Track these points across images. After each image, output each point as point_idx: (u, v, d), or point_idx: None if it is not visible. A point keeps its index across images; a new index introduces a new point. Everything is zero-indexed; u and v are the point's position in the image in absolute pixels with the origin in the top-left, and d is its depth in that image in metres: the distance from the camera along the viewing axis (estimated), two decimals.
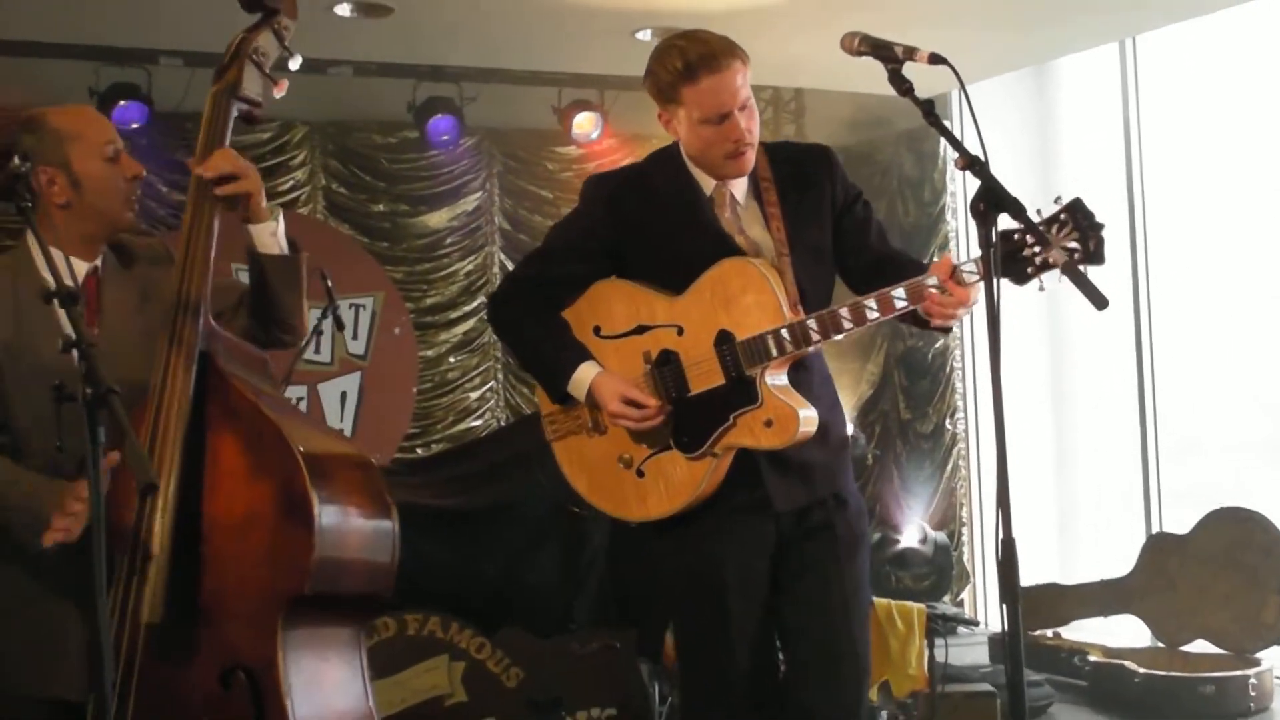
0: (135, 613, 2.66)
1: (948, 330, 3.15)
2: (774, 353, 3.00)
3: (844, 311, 2.98)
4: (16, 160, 2.58)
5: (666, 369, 3.12)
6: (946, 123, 2.77)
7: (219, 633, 2.69)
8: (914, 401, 8.76)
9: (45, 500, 2.68)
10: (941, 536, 8.28)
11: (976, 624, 7.86)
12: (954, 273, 2.88)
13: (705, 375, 3.08)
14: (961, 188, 8.45)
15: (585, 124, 8.13)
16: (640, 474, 3.13)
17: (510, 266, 8.76)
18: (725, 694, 3.14)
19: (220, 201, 2.92)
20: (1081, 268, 2.58)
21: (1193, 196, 7.30)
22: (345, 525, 2.75)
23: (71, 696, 2.68)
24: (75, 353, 2.34)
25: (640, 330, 3.16)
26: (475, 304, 8.75)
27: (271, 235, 2.99)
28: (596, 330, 3.20)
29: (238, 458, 2.76)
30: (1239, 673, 6.03)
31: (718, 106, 3.01)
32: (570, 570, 5.28)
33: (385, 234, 8.61)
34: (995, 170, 2.53)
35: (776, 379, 3.06)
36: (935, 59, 2.65)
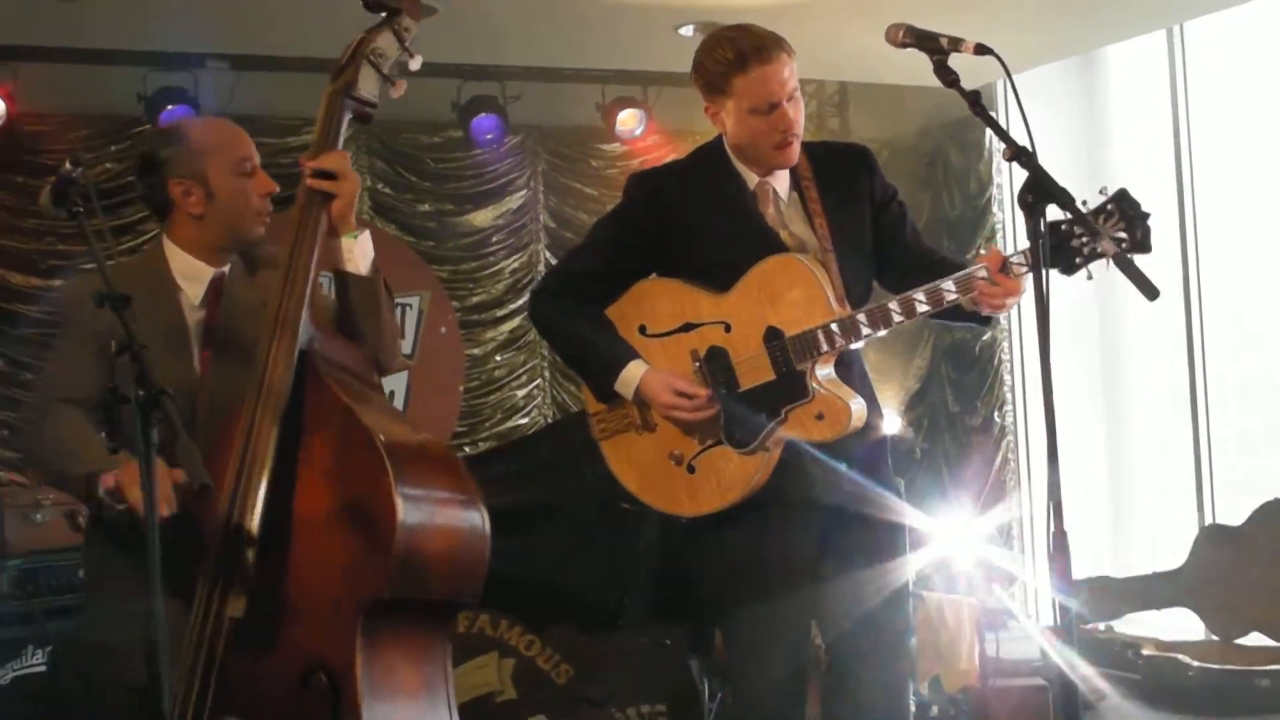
0: (222, 606, 2.68)
1: (991, 322, 3.19)
2: (824, 347, 3.03)
3: (894, 305, 3.01)
4: (68, 164, 2.60)
5: (715, 365, 3.13)
6: (992, 114, 2.76)
7: (301, 632, 2.70)
8: (962, 394, 8.71)
9: (100, 465, 2.72)
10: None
11: (1028, 617, 7.81)
12: (1004, 265, 2.88)
13: (755, 371, 3.10)
14: (1008, 179, 8.40)
15: (629, 120, 8.12)
16: (691, 470, 3.14)
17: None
18: (777, 685, 3.14)
19: (322, 202, 2.94)
20: (1131, 257, 2.56)
21: (1242, 186, 7.23)
22: (430, 530, 2.74)
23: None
24: (128, 356, 2.37)
25: (687, 328, 3.17)
26: (521, 302, 8.75)
27: (352, 250, 2.99)
28: (642, 329, 3.21)
29: (329, 458, 2.78)
30: None
31: (767, 96, 3.06)
32: (620, 567, 5.28)
33: (431, 233, 8.63)
34: (1042, 161, 2.51)
35: (825, 371, 3.08)
36: (981, 49, 2.64)
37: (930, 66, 2.73)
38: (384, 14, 3.05)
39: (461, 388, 8.54)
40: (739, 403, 3.11)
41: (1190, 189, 7.35)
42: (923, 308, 2.99)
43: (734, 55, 3.07)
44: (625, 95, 8.12)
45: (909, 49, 2.78)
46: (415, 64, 3.11)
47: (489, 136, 8.07)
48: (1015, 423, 8.54)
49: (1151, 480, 7.86)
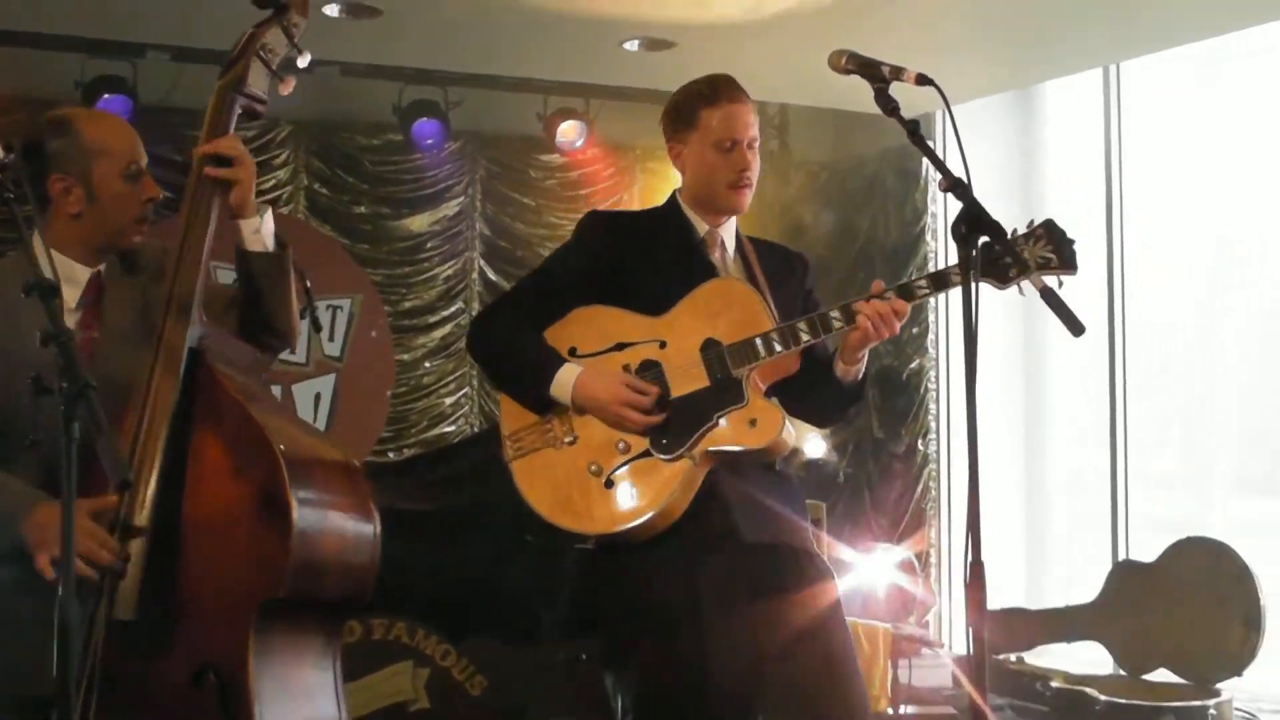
0: (110, 609, 2.63)
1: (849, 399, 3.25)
2: (762, 353, 3.04)
3: (834, 312, 3.04)
4: (1, 149, 2.56)
5: (647, 375, 3.11)
6: (930, 143, 2.79)
7: (192, 632, 2.67)
8: (888, 420, 8.78)
9: (16, 512, 2.68)
10: (908, 556, 8.29)
11: (941, 646, 7.87)
12: (905, 288, 3.04)
13: (689, 379, 3.09)
14: (943, 208, 8.48)
15: (569, 132, 8.13)
16: (609, 484, 3.07)
17: (490, 273, 8.78)
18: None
19: (216, 189, 2.90)
20: (1058, 290, 2.60)
21: (1171, 224, 7.35)
22: (325, 529, 2.73)
23: (40, 691, 2.66)
24: (54, 346, 2.33)
25: (619, 347, 3.16)
26: (453, 309, 8.74)
27: (257, 232, 2.96)
28: (572, 351, 3.18)
29: (220, 456, 2.74)
30: (1200, 702, 6.04)
31: (731, 132, 3.16)
32: (542, 580, 5.27)
33: (366, 236, 8.60)
34: (977, 193, 2.54)
35: (761, 387, 3.09)
36: (922, 79, 2.66)
37: (870, 93, 2.76)
38: (272, 10, 3.03)
39: (390, 393, 8.51)
40: (669, 411, 3.08)
41: (1120, 225, 7.46)
42: (839, 323, 3.04)
43: (707, 89, 3.19)
44: (567, 107, 8.13)
45: (851, 75, 2.81)
46: (304, 61, 3.07)
47: (429, 141, 8.05)
48: (938, 451, 8.61)
49: (1068, 514, 7.97)
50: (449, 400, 8.73)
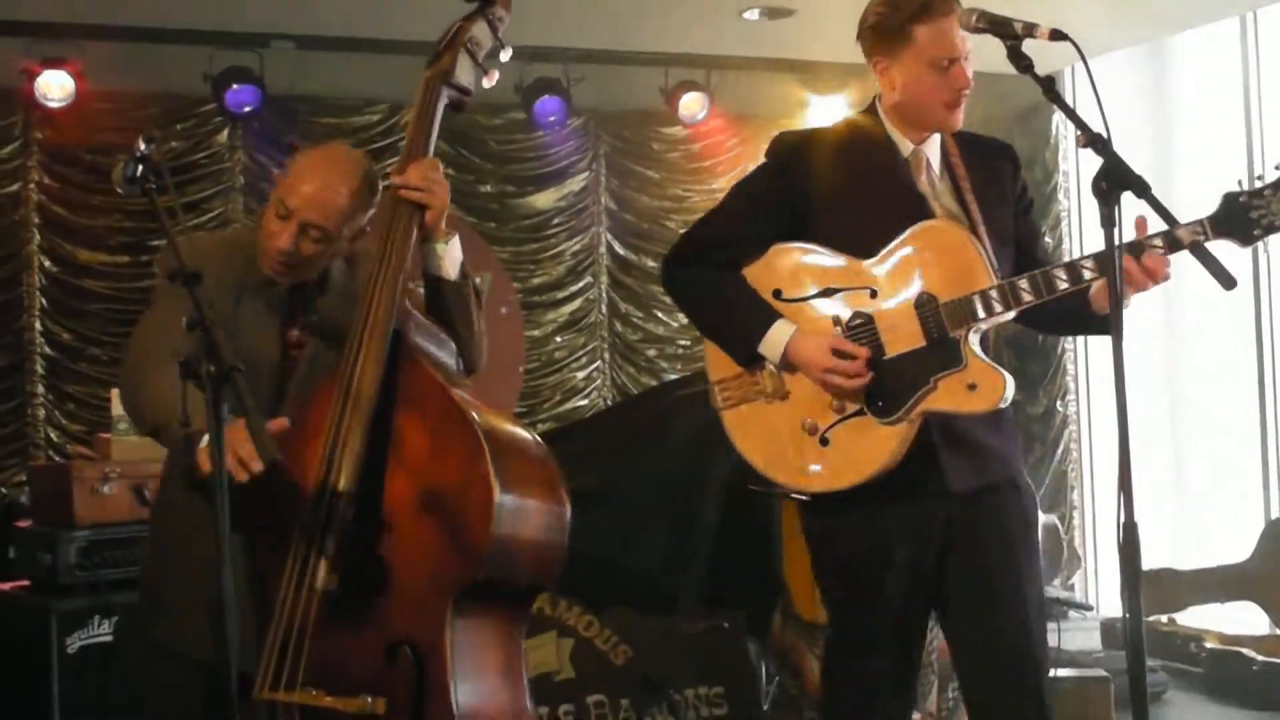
0: (313, 578, 2.70)
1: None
2: (980, 314, 2.89)
3: (1059, 271, 2.87)
4: (141, 142, 2.62)
5: (860, 331, 2.98)
6: (1065, 98, 2.74)
7: (390, 608, 2.72)
8: (1025, 383, 8.64)
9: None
10: (1051, 519, 8.18)
11: (1090, 608, 7.75)
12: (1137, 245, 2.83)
13: (903, 338, 2.95)
14: (1074, 166, 8.32)
15: (692, 105, 8.10)
16: (825, 442, 2.99)
17: (617, 247, 8.81)
18: (874, 681, 3.07)
19: (415, 210, 2.94)
20: (1208, 247, 2.53)
21: None
22: (522, 513, 2.75)
23: (244, 668, 2.73)
24: (199, 331, 2.39)
25: (828, 293, 3.02)
26: (582, 284, 8.79)
27: (443, 256, 3.00)
28: (777, 294, 3.05)
29: (422, 438, 2.78)
30: None
31: (949, 49, 2.97)
32: (679, 549, 5.28)
33: (492, 214, 8.66)
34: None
35: (976, 342, 2.94)
36: (1056, 35, 2.61)
37: (999, 52, 2.70)
38: (479, 3, 3.08)
39: (521, 369, 8.57)
40: (883, 371, 2.95)
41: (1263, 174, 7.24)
42: (1090, 275, 2.85)
43: (919, 4, 2.98)
44: (688, 79, 8.10)
45: (982, 34, 2.75)
46: (506, 54, 3.11)
47: (551, 119, 8.07)
48: (1078, 412, 8.46)
49: (1217, 472, 7.77)
50: (580, 375, 8.78)
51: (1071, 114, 2.63)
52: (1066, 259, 2.96)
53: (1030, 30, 2.66)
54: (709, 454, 5.37)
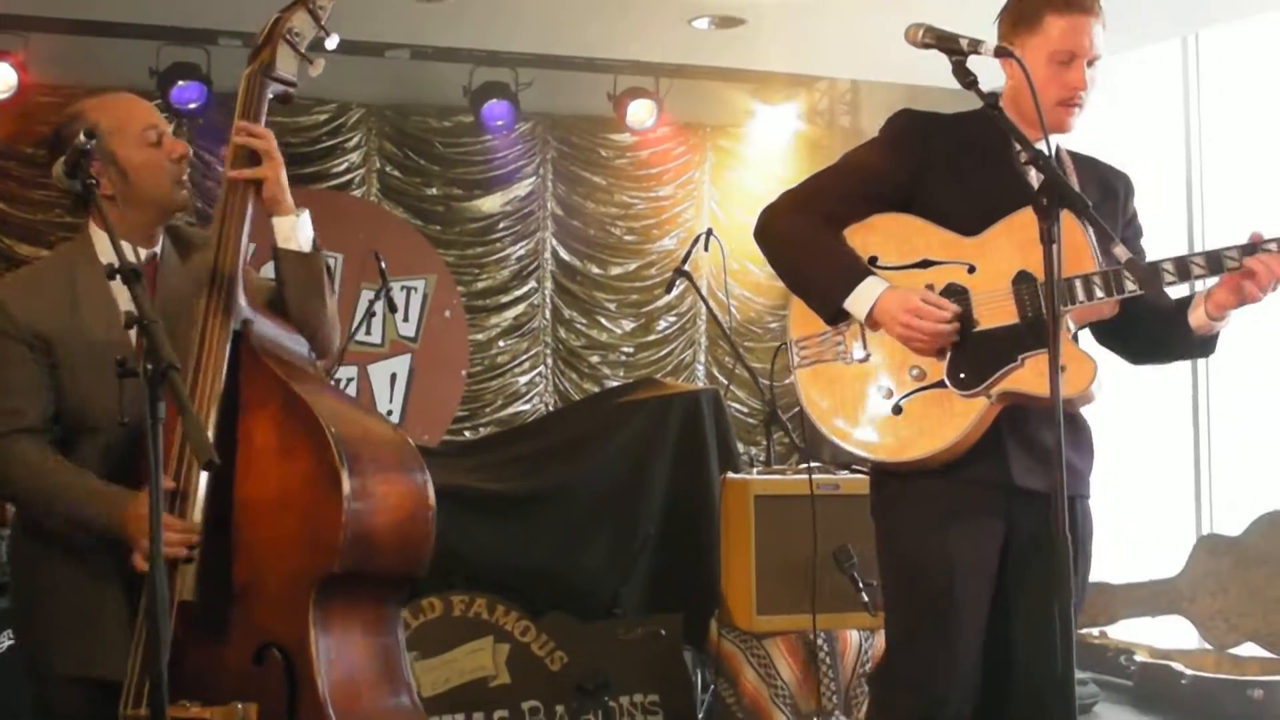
0: (171, 591, 2.66)
1: (1207, 347, 3.06)
2: (1081, 296, 2.83)
3: (1167, 264, 2.82)
4: (83, 136, 2.60)
5: (952, 300, 2.92)
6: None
7: (253, 611, 2.71)
8: None
9: (113, 513, 2.73)
10: None
11: None
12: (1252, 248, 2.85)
13: (996, 312, 2.89)
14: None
15: (640, 112, 8.13)
16: (898, 410, 2.93)
17: (562, 253, 8.82)
18: (938, 676, 2.96)
19: (250, 185, 2.91)
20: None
21: (1253, 198, 7.22)
22: (377, 503, 2.75)
23: (112, 676, 2.70)
24: (136, 329, 2.37)
25: (925, 264, 2.97)
26: (526, 288, 8.79)
27: (291, 229, 2.95)
28: (873, 260, 2.99)
29: (270, 437, 2.77)
30: None
31: (1074, 46, 2.92)
32: (619, 556, 5.29)
33: (438, 217, 8.65)
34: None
35: (1072, 328, 2.90)
36: (1001, 51, 2.65)
37: (945, 67, 2.73)
38: None
39: (464, 372, 8.56)
40: (971, 343, 2.89)
41: (1200, 200, 7.35)
42: (1199, 271, 2.83)
43: None
44: (637, 86, 8.12)
45: (929, 49, 2.77)
46: (332, 42, 3.07)
47: (500, 123, 8.07)
48: None
49: (1151, 487, 7.86)
50: (523, 380, 8.78)
51: (1014, 131, 2.67)
52: None
53: (976, 47, 2.69)
54: (650, 461, 5.40)
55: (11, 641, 4.63)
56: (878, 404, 2.96)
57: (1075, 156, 3.10)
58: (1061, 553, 2.40)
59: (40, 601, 2.93)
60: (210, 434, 2.71)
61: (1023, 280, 2.88)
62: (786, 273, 3.11)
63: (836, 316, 3.00)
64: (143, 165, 2.93)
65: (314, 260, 2.99)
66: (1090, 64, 2.95)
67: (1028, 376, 2.84)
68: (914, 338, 2.90)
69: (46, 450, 2.84)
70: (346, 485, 2.65)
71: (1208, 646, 6.59)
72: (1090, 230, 2.84)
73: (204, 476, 2.71)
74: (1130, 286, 2.81)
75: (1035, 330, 2.84)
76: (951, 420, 2.89)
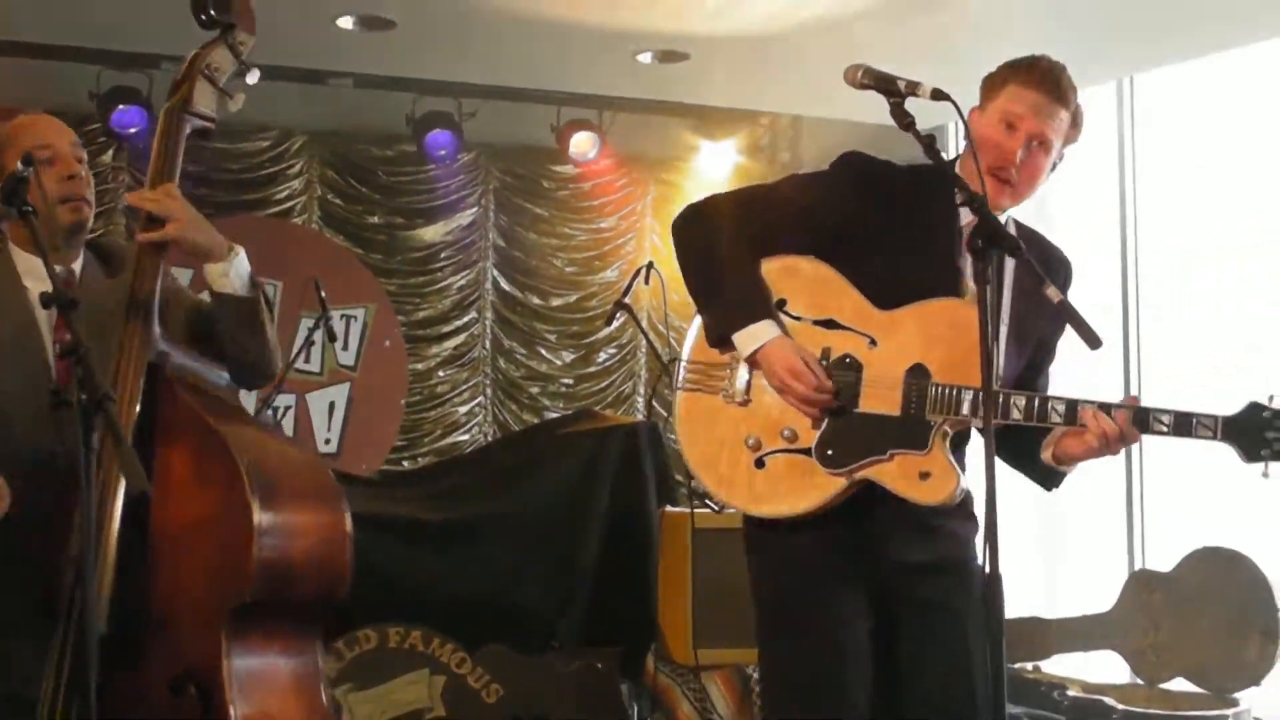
0: (82, 622, 2.63)
1: (1055, 480, 3.08)
2: (965, 410, 2.82)
3: (1058, 405, 2.83)
4: (20, 165, 2.58)
5: (842, 373, 2.90)
6: (945, 156, 2.80)
7: (167, 641, 2.71)
8: None
9: None
10: None
11: None
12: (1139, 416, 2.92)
13: (882, 398, 2.87)
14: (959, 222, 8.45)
15: (583, 144, 8.15)
16: (760, 464, 2.93)
17: (503, 282, 8.82)
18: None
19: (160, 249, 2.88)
20: (1074, 307, 2.59)
21: (1188, 240, 7.33)
22: (290, 531, 2.75)
23: (26, 693, 2.67)
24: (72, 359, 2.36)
25: (829, 324, 2.94)
26: (466, 319, 8.78)
27: (223, 276, 2.93)
28: (781, 304, 2.96)
29: (184, 468, 2.78)
30: (1218, 712, 6.02)
31: (1018, 115, 2.92)
32: (556, 588, 5.28)
33: (380, 246, 8.63)
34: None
35: (947, 436, 2.87)
36: (938, 94, 2.66)
37: (885, 106, 2.75)
38: (219, 30, 3.07)
39: (403, 402, 8.53)
40: (846, 422, 2.88)
41: (1134, 240, 7.45)
42: (1058, 418, 2.83)
43: (1026, 66, 2.96)
44: (580, 118, 8.15)
45: (867, 90, 2.79)
46: (253, 77, 3.11)
47: (442, 152, 8.07)
48: None
49: (1083, 523, 7.95)
50: (463, 409, 8.75)
51: (951, 173, 2.69)
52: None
53: (913, 89, 2.70)
54: (588, 493, 5.40)
55: None
56: (743, 452, 2.95)
57: (1022, 229, 3.08)
58: (994, 587, 2.40)
59: None
60: None
61: (916, 375, 2.87)
62: (692, 277, 3.06)
63: (721, 342, 2.97)
64: (30, 185, 2.87)
65: (250, 302, 2.97)
66: (1041, 146, 2.93)
67: (893, 473, 2.85)
68: (785, 394, 2.90)
69: None
70: (257, 516, 2.66)
71: (1139, 681, 6.65)
72: (1000, 345, 2.88)
73: (119, 505, 2.69)
74: (1016, 415, 2.82)
75: (912, 430, 2.84)
76: (809, 491, 2.89)
